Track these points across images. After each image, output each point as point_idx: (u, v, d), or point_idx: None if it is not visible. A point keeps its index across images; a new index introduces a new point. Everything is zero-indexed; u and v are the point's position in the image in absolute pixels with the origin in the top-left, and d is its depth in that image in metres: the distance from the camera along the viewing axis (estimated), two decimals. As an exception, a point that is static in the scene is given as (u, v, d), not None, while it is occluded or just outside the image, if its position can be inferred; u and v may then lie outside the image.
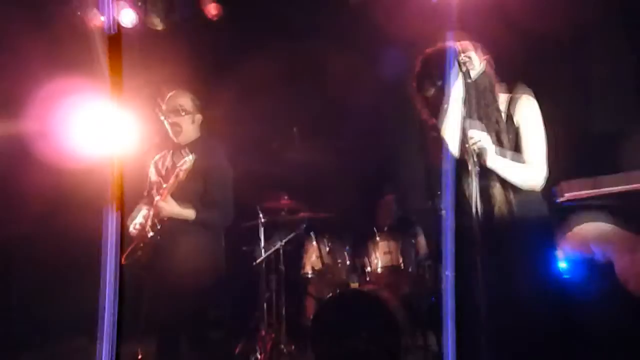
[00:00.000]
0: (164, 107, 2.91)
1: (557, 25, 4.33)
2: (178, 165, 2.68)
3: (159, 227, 2.73)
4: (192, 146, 2.88)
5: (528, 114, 2.10)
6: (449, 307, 2.03)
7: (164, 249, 2.74)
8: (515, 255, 1.98)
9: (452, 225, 2.09)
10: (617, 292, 2.64)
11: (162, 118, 2.90)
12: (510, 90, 2.20)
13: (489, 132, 2.04)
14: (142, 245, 2.78)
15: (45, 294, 5.22)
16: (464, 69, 1.98)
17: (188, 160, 2.66)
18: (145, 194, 2.96)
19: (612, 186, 2.57)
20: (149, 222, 2.78)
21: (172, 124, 2.88)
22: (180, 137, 2.90)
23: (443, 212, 4.60)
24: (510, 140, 2.09)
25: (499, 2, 4.46)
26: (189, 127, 2.91)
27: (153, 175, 2.94)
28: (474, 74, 2.03)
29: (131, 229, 2.83)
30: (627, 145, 4.19)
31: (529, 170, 2.07)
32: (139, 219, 2.87)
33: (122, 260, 2.85)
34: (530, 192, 2.09)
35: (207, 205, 2.80)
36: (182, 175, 2.66)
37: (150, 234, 2.73)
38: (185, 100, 2.92)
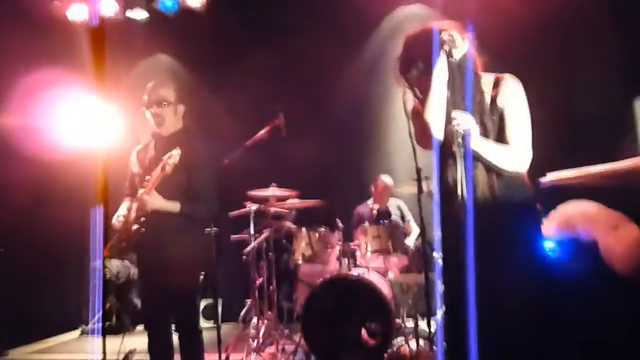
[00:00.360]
0: (145, 97, 2.87)
1: (541, 7, 4.35)
2: (164, 158, 2.65)
3: (142, 219, 2.72)
4: (175, 137, 2.86)
5: (513, 95, 2.06)
6: (437, 291, 2.04)
7: (149, 242, 2.73)
8: (499, 237, 1.95)
9: (439, 209, 2.09)
10: (602, 271, 2.68)
11: (144, 109, 2.86)
12: (495, 69, 2.15)
13: (472, 113, 2.00)
14: (125, 237, 2.76)
15: (29, 287, 5.20)
16: (447, 48, 1.95)
17: (175, 154, 2.64)
18: (127, 185, 2.94)
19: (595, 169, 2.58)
20: (133, 215, 2.76)
21: (155, 115, 2.84)
22: (163, 128, 2.87)
23: (431, 195, 4.63)
24: (494, 122, 2.05)
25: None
26: (172, 118, 2.88)
27: (135, 167, 2.92)
28: (457, 53, 1.99)
29: (114, 220, 2.81)
30: (612, 130, 4.24)
31: (513, 152, 2.03)
32: (121, 211, 2.85)
33: (105, 252, 2.83)
34: (513, 175, 2.05)
35: (191, 197, 2.78)
36: (168, 168, 2.64)
37: (135, 226, 2.72)
38: (168, 91, 2.88)
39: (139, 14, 5.63)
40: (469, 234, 1.83)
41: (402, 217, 5.06)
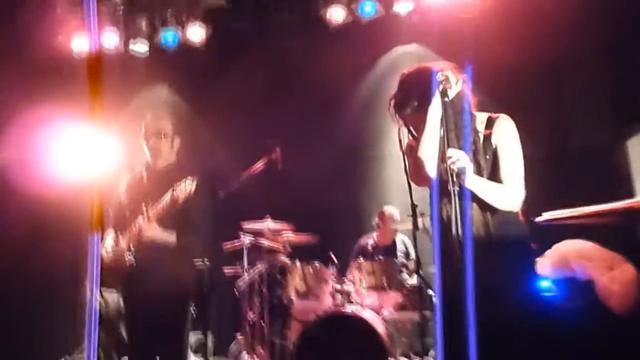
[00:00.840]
0: (142, 129, 2.90)
1: (534, 49, 4.45)
2: (177, 190, 2.64)
3: (133, 250, 2.70)
4: (169, 170, 2.88)
5: (506, 134, 2.09)
6: (436, 329, 2.01)
7: (139, 273, 2.70)
8: (494, 276, 1.94)
9: (436, 246, 2.08)
10: (599, 310, 2.66)
11: (141, 141, 2.88)
12: (488, 109, 2.20)
13: (466, 152, 2.03)
14: (117, 269, 2.73)
15: (24, 320, 5.11)
16: (441, 88, 1.99)
17: (188, 183, 2.65)
18: (112, 215, 2.91)
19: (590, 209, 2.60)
20: (124, 246, 2.73)
21: (151, 147, 2.85)
22: (158, 161, 2.88)
23: (427, 232, 4.60)
24: (487, 160, 2.08)
25: (477, 25, 4.58)
26: (167, 151, 2.90)
27: (123, 197, 2.90)
28: (451, 93, 2.03)
29: (102, 252, 2.77)
30: (605, 169, 4.28)
31: (507, 191, 2.06)
32: (108, 242, 2.82)
33: (108, 286, 2.80)
34: (508, 214, 2.07)
35: (187, 230, 2.76)
36: (181, 198, 2.64)
37: (128, 258, 2.69)
38: (165, 123, 2.92)
39: (141, 48, 5.73)
40: (468, 272, 1.82)
41: (407, 254, 4.92)
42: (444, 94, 1.99)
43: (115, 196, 2.94)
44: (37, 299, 5.33)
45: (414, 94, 2.08)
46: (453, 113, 2.03)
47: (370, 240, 4.94)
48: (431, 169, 2.05)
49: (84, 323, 5.45)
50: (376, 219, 4.94)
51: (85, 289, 5.44)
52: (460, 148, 2.01)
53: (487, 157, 2.08)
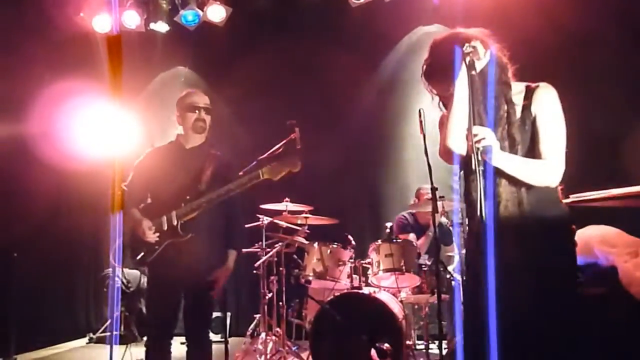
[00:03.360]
0: (188, 101, 2.88)
1: (560, 27, 4.33)
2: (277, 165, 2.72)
3: (180, 226, 2.73)
4: (202, 148, 2.89)
5: (547, 103, 1.94)
6: (458, 311, 1.95)
7: (180, 251, 2.72)
8: (527, 261, 1.85)
9: (462, 227, 2.03)
10: (620, 296, 2.61)
11: (187, 113, 2.86)
12: (527, 79, 2.04)
13: (496, 127, 1.93)
14: (165, 245, 2.76)
15: (40, 293, 5.24)
16: (468, 59, 1.87)
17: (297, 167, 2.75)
18: (135, 195, 2.89)
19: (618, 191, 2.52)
20: (174, 223, 2.74)
21: (200, 120, 2.84)
22: (200, 135, 2.88)
23: (447, 215, 4.52)
24: (525, 132, 1.94)
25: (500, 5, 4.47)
26: (208, 128, 2.92)
27: (154, 170, 2.89)
28: (479, 65, 1.92)
29: (146, 230, 2.74)
30: (628, 149, 4.16)
31: (544, 166, 1.91)
32: (147, 223, 2.78)
33: (148, 262, 2.81)
34: (546, 190, 1.92)
35: (230, 214, 2.84)
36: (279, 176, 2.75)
37: (182, 233, 2.73)
38: (208, 100, 2.93)
39: (161, 27, 5.73)
40: (489, 254, 1.75)
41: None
42: (471, 66, 1.87)
43: (142, 170, 2.90)
44: (56, 275, 5.45)
45: (441, 63, 1.96)
46: (482, 85, 1.92)
47: (410, 217, 4.80)
48: (458, 146, 1.94)
49: (107, 300, 5.60)
50: (414, 199, 4.81)
51: (106, 266, 5.57)
52: (486, 124, 1.90)
53: (526, 128, 1.94)
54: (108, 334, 5.36)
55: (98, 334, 5.60)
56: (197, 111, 2.85)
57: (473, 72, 1.87)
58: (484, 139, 1.81)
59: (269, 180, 2.77)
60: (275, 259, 4.30)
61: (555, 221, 1.94)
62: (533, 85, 2.00)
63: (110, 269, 5.35)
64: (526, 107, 1.97)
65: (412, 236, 4.47)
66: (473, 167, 1.77)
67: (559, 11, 4.33)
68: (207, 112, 2.89)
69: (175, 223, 2.73)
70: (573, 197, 2.39)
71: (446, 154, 1.99)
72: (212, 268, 2.77)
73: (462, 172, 2.04)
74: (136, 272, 5.50)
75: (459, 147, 1.94)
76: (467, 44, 1.89)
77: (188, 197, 2.74)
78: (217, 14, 5.53)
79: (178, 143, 2.92)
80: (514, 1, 4.43)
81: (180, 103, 2.92)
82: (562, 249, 1.94)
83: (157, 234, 2.74)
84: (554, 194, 1.96)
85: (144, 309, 5.49)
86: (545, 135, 1.94)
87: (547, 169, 1.92)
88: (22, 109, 4.89)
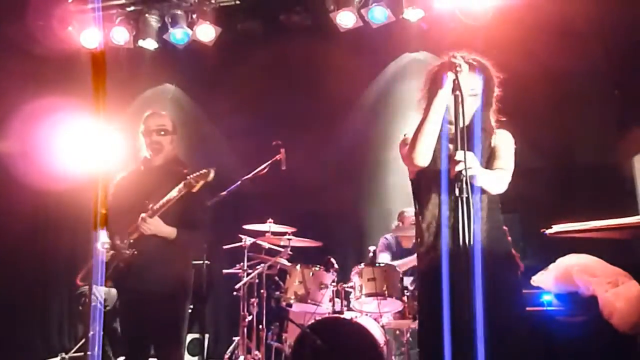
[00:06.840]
0: (142, 125, 2.92)
1: (544, 61, 4.43)
2: (190, 177, 2.68)
3: (131, 242, 2.70)
4: (168, 166, 2.91)
5: (505, 139, 2.24)
6: (447, 337, 1.96)
7: (137, 268, 2.69)
8: (493, 286, 1.92)
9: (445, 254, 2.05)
10: (600, 326, 2.62)
11: (141, 137, 2.91)
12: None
13: (477, 153, 2.05)
14: (118, 263, 2.72)
15: (19, 314, 5.09)
16: (456, 91, 1.94)
17: (208, 172, 2.66)
18: (108, 212, 2.90)
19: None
20: (120, 241, 2.72)
21: (154, 142, 2.87)
22: (159, 157, 2.90)
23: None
24: (485, 150, 2.18)
25: (487, 34, 4.56)
26: (168, 147, 2.93)
27: (121, 194, 2.91)
28: (463, 83, 1.98)
29: (99, 248, 2.75)
30: (609, 180, 4.24)
31: (501, 175, 2.15)
32: (104, 238, 2.80)
33: (105, 282, 2.78)
34: (497, 225, 2.12)
35: (187, 225, 2.77)
36: (197, 187, 2.66)
37: (127, 251, 2.69)
38: (166, 120, 2.96)
39: (150, 44, 5.72)
40: (476, 280, 1.77)
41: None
42: (456, 87, 1.94)
43: (112, 191, 2.95)
44: (31, 294, 5.32)
45: (435, 90, 2.09)
46: (466, 111, 1.96)
47: (393, 240, 4.80)
48: (422, 160, 2.08)
49: (83, 319, 5.44)
50: (398, 223, 4.83)
51: (80, 285, 5.45)
52: (472, 149, 2.01)
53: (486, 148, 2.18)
54: (81, 353, 5.21)
55: (71, 354, 5.44)
56: (151, 134, 2.89)
57: (457, 93, 1.92)
58: (470, 168, 1.85)
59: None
60: (257, 280, 4.24)
61: (504, 254, 2.14)
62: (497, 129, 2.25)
63: (87, 287, 5.23)
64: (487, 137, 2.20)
65: (385, 257, 4.50)
66: (457, 193, 1.79)
67: (542, 43, 4.44)
68: (163, 133, 2.90)
69: (118, 242, 2.73)
70: (556, 228, 2.43)
71: (406, 159, 2.16)
72: (170, 279, 2.73)
73: (416, 182, 2.22)
74: (114, 291, 5.38)
75: (423, 161, 2.09)
76: (455, 57, 1.96)
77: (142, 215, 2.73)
78: (206, 34, 5.53)
79: (143, 163, 2.97)
80: (500, 32, 4.52)
81: (140, 126, 2.96)
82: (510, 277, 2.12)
83: (111, 253, 2.76)
84: (502, 230, 2.18)
85: (118, 329, 5.36)
86: (502, 154, 2.21)
87: (504, 178, 2.16)
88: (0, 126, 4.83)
